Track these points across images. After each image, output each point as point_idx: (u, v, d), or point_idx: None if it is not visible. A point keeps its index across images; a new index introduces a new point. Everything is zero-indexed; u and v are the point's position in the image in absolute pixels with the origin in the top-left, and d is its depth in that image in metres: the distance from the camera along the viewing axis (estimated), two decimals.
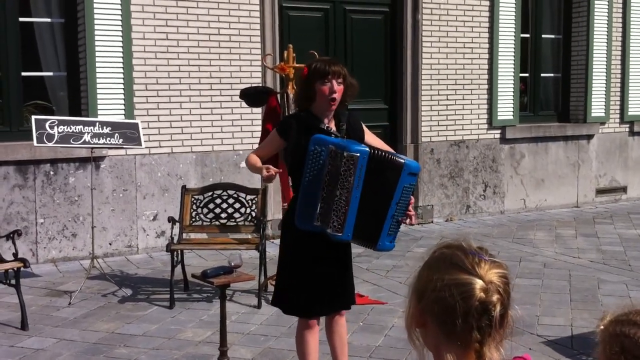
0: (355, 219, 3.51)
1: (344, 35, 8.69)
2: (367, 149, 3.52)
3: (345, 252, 3.84)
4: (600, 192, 10.38)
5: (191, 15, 7.58)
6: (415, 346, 1.54)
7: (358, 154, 3.47)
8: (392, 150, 3.79)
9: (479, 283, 1.43)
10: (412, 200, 3.62)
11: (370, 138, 3.95)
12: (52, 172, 7.05)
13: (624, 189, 10.61)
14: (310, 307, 3.78)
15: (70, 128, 6.12)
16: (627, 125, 10.56)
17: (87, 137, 6.16)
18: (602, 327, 1.48)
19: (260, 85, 7.66)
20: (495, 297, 1.43)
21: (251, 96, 6.26)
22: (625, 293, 5.95)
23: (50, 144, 6.06)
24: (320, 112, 3.77)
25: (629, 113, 10.52)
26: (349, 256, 3.88)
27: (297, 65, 6.05)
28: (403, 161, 3.53)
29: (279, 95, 6.12)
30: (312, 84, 3.72)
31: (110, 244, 7.33)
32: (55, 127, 6.05)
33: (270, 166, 3.75)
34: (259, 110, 7.60)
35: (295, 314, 3.88)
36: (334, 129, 3.78)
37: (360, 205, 3.50)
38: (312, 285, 3.74)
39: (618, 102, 10.46)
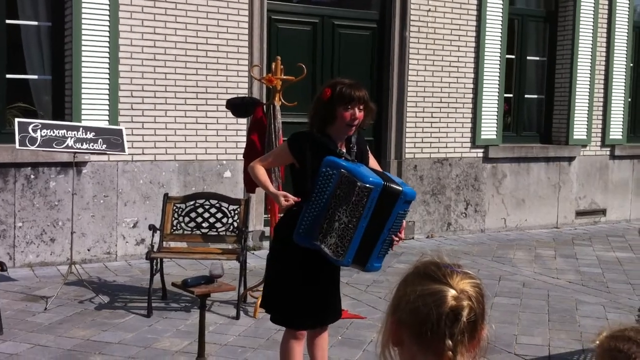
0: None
1: (331, 49, 8.72)
2: (381, 181, 3.46)
3: (335, 266, 3.82)
4: (580, 214, 10.46)
5: (179, 24, 7.58)
6: None
7: (372, 187, 3.42)
8: (386, 173, 3.78)
9: (450, 291, 1.45)
10: (404, 225, 3.63)
11: (371, 160, 3.93)
12: (32, 176, 6.99)
13: (603, 212, 10.70)
14: (303, 320, 3.76)
15: (54, 132, 6.07)
16: (608, 149, 10.67)
17: (70, 142, 6.11)
18: (597, 342, 1.50)
19: (247, 96, 7.67)
20: (465, 303, 1.44)
21: (237, 106, 6.26)
22: (603, 315, 5.98)
23: (32, 148, 6.01)
24: (336, 135, 3.72)
25: (610, 137, 10.64)
26: (337, 270, 3.86)
27: (284, 77, 6.05)
28: (401, 189, 3.50)
29: (265, 107, 6.12)
30: (333, 107, 3.64)
31: (88, 250, 7.26)
32: (39, 131, 6.00)
33: (289, 195, 3.68)
34: (244, 120, 7.59)
35: (287, 325, 3.84)
36: (344, 151, 3.73)
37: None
38: (305, 299, 3.71)
39: (600, 126, 10.57)
